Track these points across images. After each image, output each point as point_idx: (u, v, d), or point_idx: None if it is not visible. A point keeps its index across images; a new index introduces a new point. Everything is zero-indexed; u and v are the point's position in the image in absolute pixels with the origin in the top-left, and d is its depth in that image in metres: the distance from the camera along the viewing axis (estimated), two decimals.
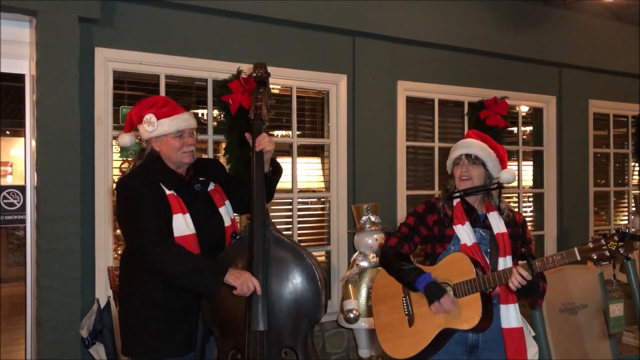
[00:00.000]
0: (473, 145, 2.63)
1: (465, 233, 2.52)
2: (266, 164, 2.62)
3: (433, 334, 2.48)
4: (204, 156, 3.96)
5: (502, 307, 2.53)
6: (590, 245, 2.27)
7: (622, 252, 2.22)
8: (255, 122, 2.64)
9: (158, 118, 2.51)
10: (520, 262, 2.40)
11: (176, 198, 2.50)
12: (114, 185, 3.51)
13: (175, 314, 2.51)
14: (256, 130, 2.62)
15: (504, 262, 2.49)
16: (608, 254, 2.23)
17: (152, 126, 2.50)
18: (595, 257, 2.25)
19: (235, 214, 2.78)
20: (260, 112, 2.64)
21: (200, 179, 2.64)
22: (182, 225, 2.47)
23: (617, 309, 2.40)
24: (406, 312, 2.58)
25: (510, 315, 2.52)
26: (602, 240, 2.24)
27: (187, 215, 2.49)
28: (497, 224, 2.56)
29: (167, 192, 2.49)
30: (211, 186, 2.67)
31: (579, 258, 2.27)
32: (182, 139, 2.54)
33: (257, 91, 2.70)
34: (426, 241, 2.65)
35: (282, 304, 2.48)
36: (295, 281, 2.50)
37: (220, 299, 2.44)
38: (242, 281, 2.38)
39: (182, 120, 2.56)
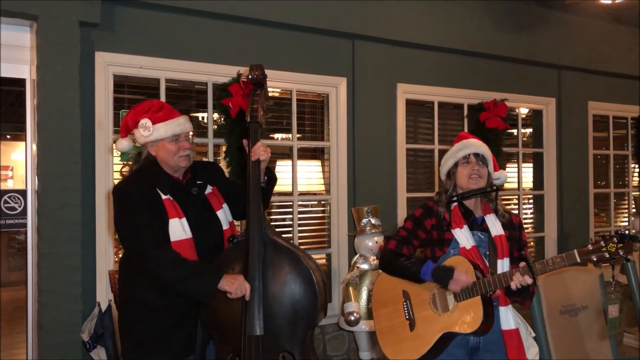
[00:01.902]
0: (481, 146, 2.64)
1: (463, 236, 2.52)
2: (261, 172, 2.61)
3: (434, 338, 2.48)
4: (204, 159, 3.97)
5: (502, 309, 2.53)
6: (590, 247, 2.27)
7: (621, 253, 2.23)
8: (251, 124, 2.63)
9: (153, 123, 2.51)
10: (520, 264, 2.40)
11: (172, 202, 2.50)
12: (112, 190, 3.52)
13: (174, 318, 2.51)
14: (253, 133, 2.62)
15: (502, 265, 2.50)
16: (607, 256, 2.24)
17: (148, 131, 2.50)
18: (595, 259, 2.26)
19: (234, 220, 2.77)
20: (257, 114, 2.63)
21: (198, 182, 2.64)
22: (179, 229, 2.47)
23: (613, 311, 2.41)
24: (407, 317, 2.58)
25: (509, 317, 2.53)
26: (602, 242, 2.25)
27: (184, 220, 2.49)
28: (495, 227, 2.56)
29: (163, 196, 2.49)
30: (208, 189, 2.67)
31: (578, 260, 2.28)
32: (178, 143, 2.54)
33: (253, 93, 2.68)
34: (425, 245, 2.65)
35: (278, 307, 2.46)
36: (292, 285, 2.49)
37: (218, 303, 2.44)
38: (236, 286, 2.38)
39: (178, 125, 2.56)
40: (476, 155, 2.60)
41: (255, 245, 2.47)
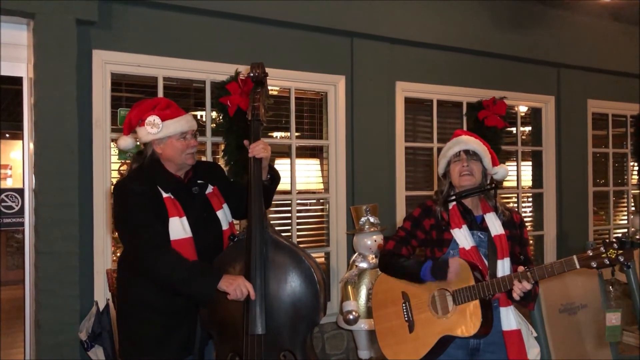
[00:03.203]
0: (470, 142, 2.60)
1: (463, 237, 2.49)
2: (264, 170, 2.60)
3: (433, 341, 2.47)
4: (203, 158, 3.96)
5: (502, 310, 2.51)
6: (590, 253, 2.23)
7: (621, 260, 2.18)
8: (252, 122, 2.64)
9: (162, 120, 2.49)
10: (519, 269, 2.37)
11: (173, 201, 2.49)
12: (112, 187, 3.50)
13: (173, 318, 2.50)
14: (254, 131, 2.62)
15: (502, 265, 2.47)
16: (607, 262, 2.19)
17: (157, 128, 2.49)
18: (594, 265, 2.22)
19: (233, 219, 2.76)
20: (258, 112, 2.63)
21: (199, 181, 2.63)
22: (179, 228, 2.46)
23: (614, 319, 2.38)
24: (406, 318, 2.56)
25: (510, 318, 2.51)
26: (602, 248, 2.21)
27: (184, 219, 2.48)
28: (495, 226, 2.53)
29: (164, 194, 2.48)
30: (209, 189, 2.66)
31: (578, 266, 2.24)
32: (186, 140, 2.54)
33: (254, 91, 2.69)
34: (424, 245, 2.63)
35: (280, 306, 2.47)
36: (293, 284, 2.49)
37: (218, 302, 2.43)
38: (235, 287, 2.36)
39: (187, 122, 2.56)
40: (466, 151, 2.57)
41: (257, 244, 2.47)
